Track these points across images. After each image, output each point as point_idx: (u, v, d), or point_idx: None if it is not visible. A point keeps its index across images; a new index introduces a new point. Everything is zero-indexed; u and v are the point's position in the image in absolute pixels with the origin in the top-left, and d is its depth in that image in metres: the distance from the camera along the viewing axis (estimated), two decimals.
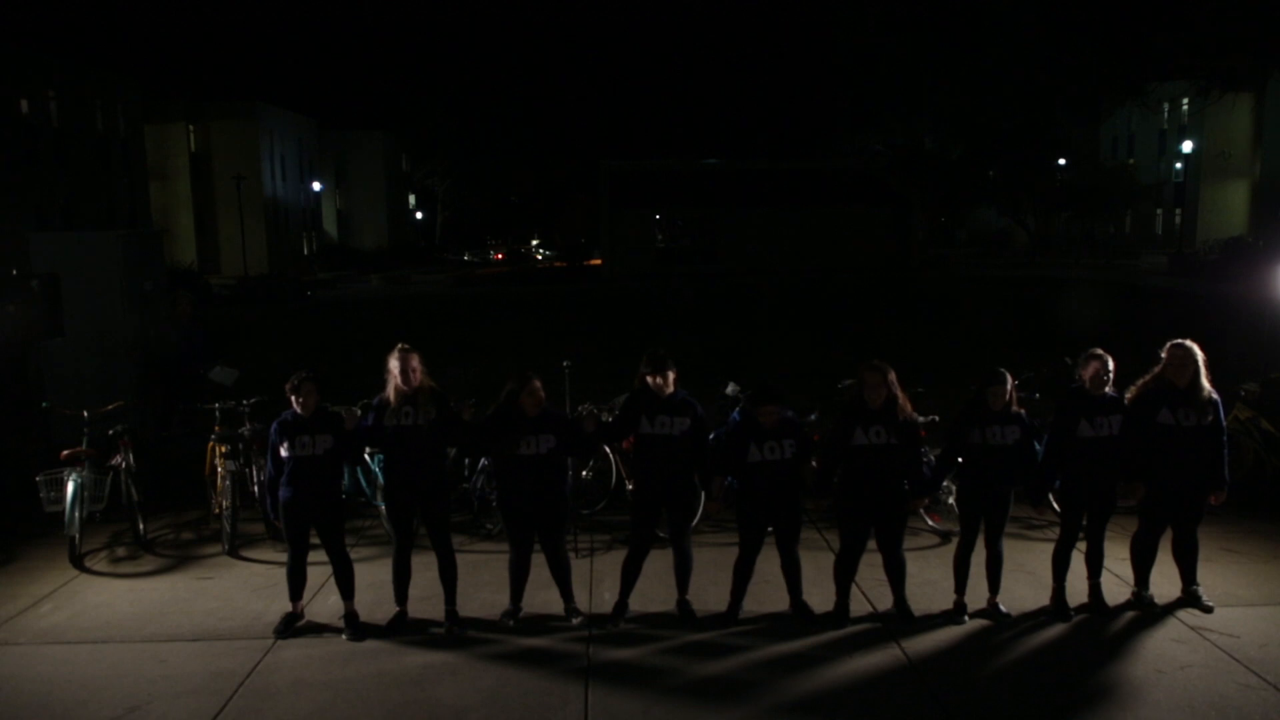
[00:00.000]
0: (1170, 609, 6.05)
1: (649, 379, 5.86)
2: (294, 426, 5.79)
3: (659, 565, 6.88)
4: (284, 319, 28.90)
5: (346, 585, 5.99)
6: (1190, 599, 6.09)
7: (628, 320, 25.24)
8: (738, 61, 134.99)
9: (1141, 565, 6.14)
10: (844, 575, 6.07)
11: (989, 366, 5.96)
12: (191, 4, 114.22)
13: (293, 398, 5.79)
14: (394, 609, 6.10)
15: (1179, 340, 5.98)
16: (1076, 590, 6.14)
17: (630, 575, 6.11)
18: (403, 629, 5.96)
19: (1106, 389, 5.93)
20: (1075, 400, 5.97)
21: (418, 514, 6.06)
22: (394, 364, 5.84)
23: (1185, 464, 5.88)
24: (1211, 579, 6.37)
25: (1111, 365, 5.93)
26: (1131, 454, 5.92)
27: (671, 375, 5.86)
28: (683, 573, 6.11)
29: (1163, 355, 5.98)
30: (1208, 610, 6.00)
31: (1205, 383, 5.87)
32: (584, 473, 7.99)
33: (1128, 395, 6.03)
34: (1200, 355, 5.89)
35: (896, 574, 6.05)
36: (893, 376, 5.81)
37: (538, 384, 5.81)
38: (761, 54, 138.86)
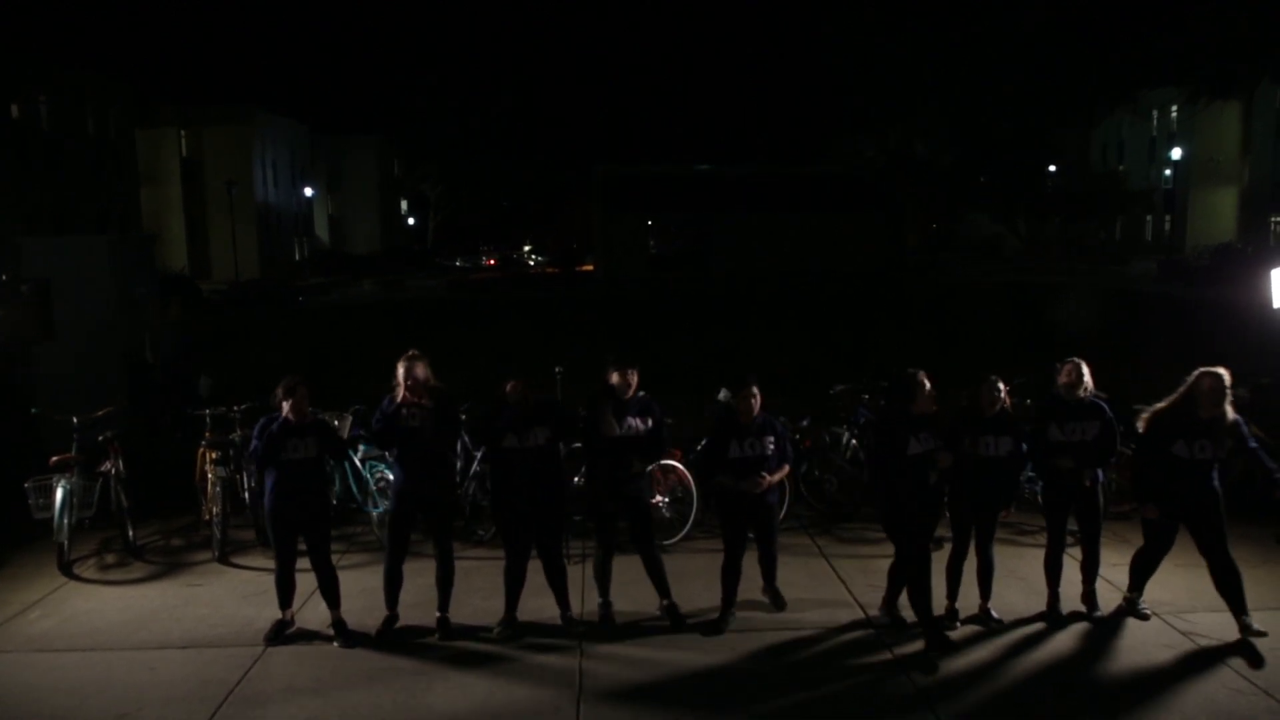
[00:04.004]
0: (1160, 614, 6.06)
1: (616, 379, 5.93)
2: (285, 432, 5.74)
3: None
4: (276, 324, 28.81)
5: (332, 594, 5.96)
6: (1245, 631, 5.61)
7: (621, 325, 25.22)
8: (732, 67, 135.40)
9: (1139, 574, 6.02)
10: (924, 594, 5.72)
11: (980, 373, 5.94)
12: (183, 8, 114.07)
13: (284, 403, 5.74)
14: (384, 616, 6.09)
15: (1210, 370, 5.54)
16: (1069, 596, 6.14)
17: (604, 577, 6.16)
18: (393, 634, 5.94)
19: (1081, 394, 5.88)
20: (1049, 405, 5.99)
21: (420, 519, 6.07)
22: (402, 370, 5.88)
23: (1193, 495, 5.58)
24: (1202, 584, 6.36)
25: (1086, 371, 5.88)
26: (1142, 477, 5.76)
27: (636, 377, 5.96)
28: (657, 576, 6.12)
29: (1188, 381, 5.59)
30: (1261, 634, 5.55)
31: (1229, 408, 5.49)
32: (575, 479, 7.97)
33: (1141, 420, 5.77)
34: (1229, 381, 5.49)
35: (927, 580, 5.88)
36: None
37: (519, 384, 5.79)
38: (756, 60, 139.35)
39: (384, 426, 5.89)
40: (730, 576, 6.06)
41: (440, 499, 6.03)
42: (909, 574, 5.77)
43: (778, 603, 6.21)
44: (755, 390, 5.94)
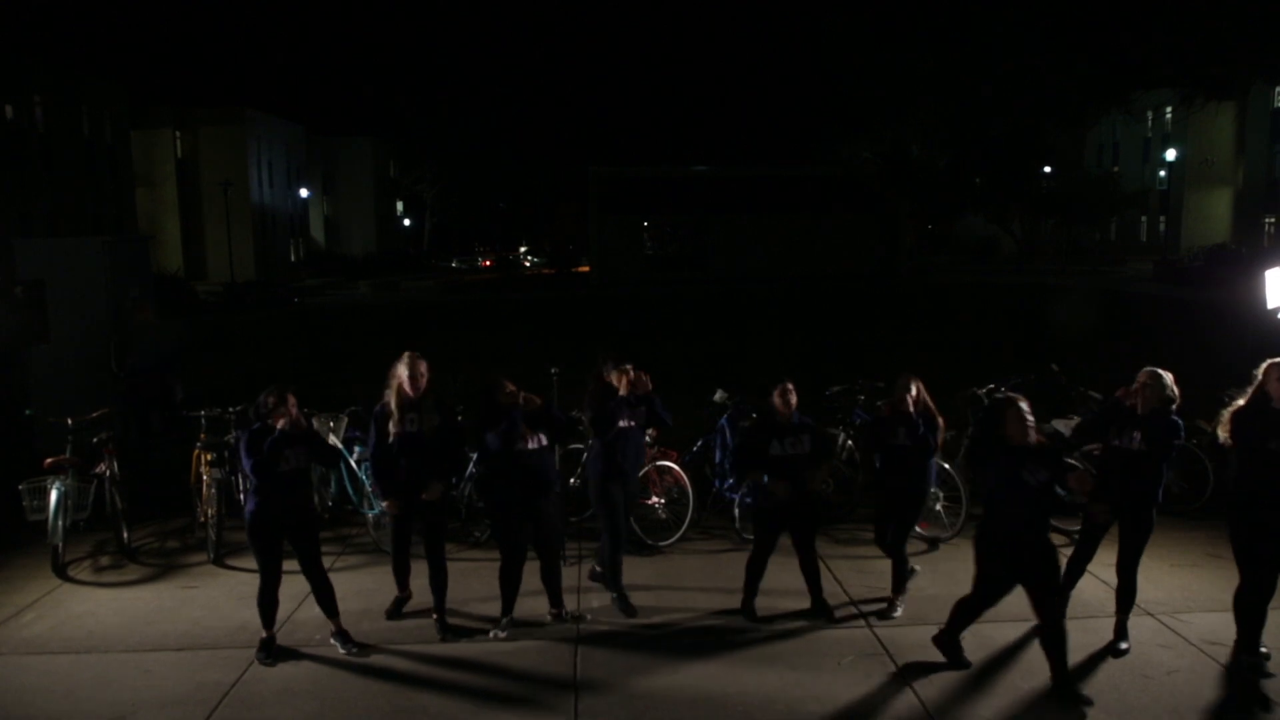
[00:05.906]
0: (1156, 614, 6.07)
1: (613, 377, 6.16)
2: (277, 440, 5.50)
3: (648, 572, 6.88)
4: (271, 326, 28.77)
5: (329, 603, 5.79)
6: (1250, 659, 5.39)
7: (617, 327, 25.22)
8: (728, 69, 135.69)
9: (1250, 622, 5.37)
10: (970, 616, 5.48)
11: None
12: (178, 9, 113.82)
13: (273, 413, 5.50)
14: (380, 618, 6.13)
15: (1277, 360, 5.17)
16: (1071, 600, 6.14)
17: (617, 570, 6.28)
18: (403, 614, 6.13)
19: (1170, 405, 5.40)
20: (1107, 408, 5.70)
21: (416, 521, 6.05)
22: (402, 370, 5.82)
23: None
24: (1198, 584, 6.40)
25: (1169, 379, 5.39)
26: (1240, 482, 5.30)
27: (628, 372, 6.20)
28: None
29: (1258, 374, 5.21)
30: (1267, 677, 5.29)
31: None
32: (572, 480, 7.98)
33: (1223, 424, 5.34)
34: None
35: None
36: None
37: (509, 384, 5.76)
38: (751, 61, 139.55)
39: (378, 432, 5.85)
40: (755, 570, 6.17)
41: (435, 499, 5.97)
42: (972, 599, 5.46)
43: (826, 613, 6.08)
44: (791, 386, 6.01)
